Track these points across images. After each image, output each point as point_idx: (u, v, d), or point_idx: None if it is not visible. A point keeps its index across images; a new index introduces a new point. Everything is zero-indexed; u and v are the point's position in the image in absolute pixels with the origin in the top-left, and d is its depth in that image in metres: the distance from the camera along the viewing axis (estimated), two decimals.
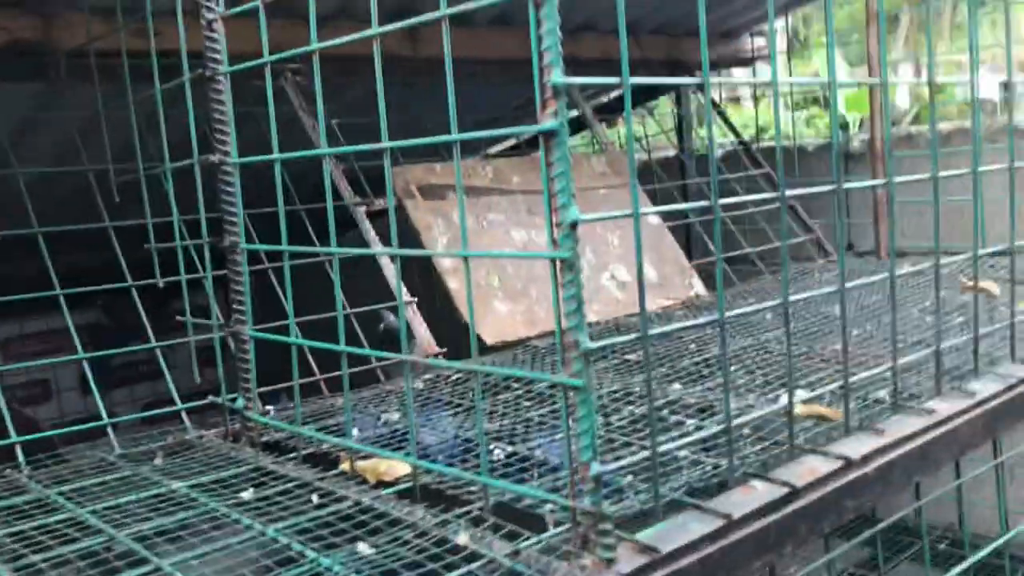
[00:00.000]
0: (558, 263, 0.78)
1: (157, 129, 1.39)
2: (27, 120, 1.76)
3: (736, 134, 2.71)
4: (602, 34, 2.45)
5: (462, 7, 0.84)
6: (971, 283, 1.87)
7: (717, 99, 3.26)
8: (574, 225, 0.78)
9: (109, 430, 1.29)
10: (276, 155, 1.08)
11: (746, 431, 1.13)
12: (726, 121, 2.72)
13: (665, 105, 3.18)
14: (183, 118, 1.37)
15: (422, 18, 0.88)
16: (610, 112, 3.08)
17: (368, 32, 0.92)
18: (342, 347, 1.04)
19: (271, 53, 1.70)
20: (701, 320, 0.93)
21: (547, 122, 0.77)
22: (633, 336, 0.83)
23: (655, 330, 0.85)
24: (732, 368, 1.46)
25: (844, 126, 5.30)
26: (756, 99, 3.18)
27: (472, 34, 2.16)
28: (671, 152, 3.13)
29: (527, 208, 1.98)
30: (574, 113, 2.60)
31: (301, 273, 1.54)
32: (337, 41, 0.95)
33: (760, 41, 2.86)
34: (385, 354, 1.04)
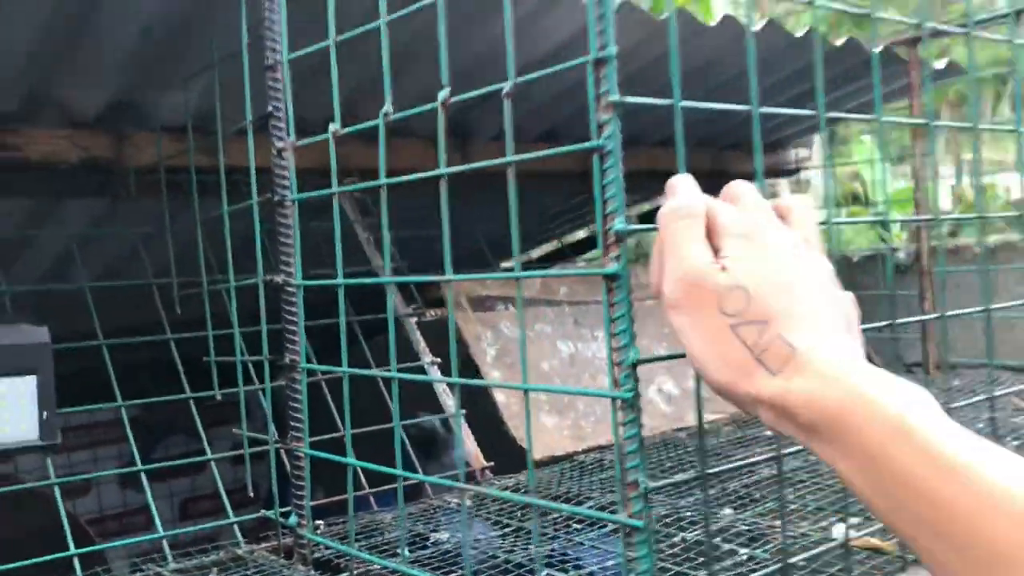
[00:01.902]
0: (619, 403, 0.79)
1: (220, 244, 1.44)
2: (94, 231, 1.83)
3: None
4: (648, 146, 2.51)
5: (528, 156, 0.88)
6: None
7: None
8: (635, 366, 0.80)
9: (164, 543, 1.30)
10: (340, 280, 1.12)
11: (801, 562, 1.12)
12: None
13: None
14: (243, 231, 1.43)
15: (485, 164, 0.92)
16: (651, 221, 3.12)
17: (434, 172, 0.96)
18: (399, 471, 1.05)
19: (330, 170, 1.77)
20: (760, 458, 0.94)
21: (610, 267, 0.80)
22: (692, 475, 0.84)
23: (714, 468, 0.85)
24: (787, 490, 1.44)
25: (885, 226, 5.28)
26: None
27: (520, 149, 2.21)
28: None
29: (574, 319, 2.00)
30: None
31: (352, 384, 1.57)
32: (406, 179, 0.99)
33: (803, 152, 2.91)
34: (439, 481, 1.05)
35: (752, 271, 0.61)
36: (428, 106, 0.98)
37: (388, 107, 1.03)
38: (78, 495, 4.02)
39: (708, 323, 0.61)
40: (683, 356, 0.85)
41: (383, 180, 1.03)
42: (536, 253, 3.30)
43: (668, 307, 0.65)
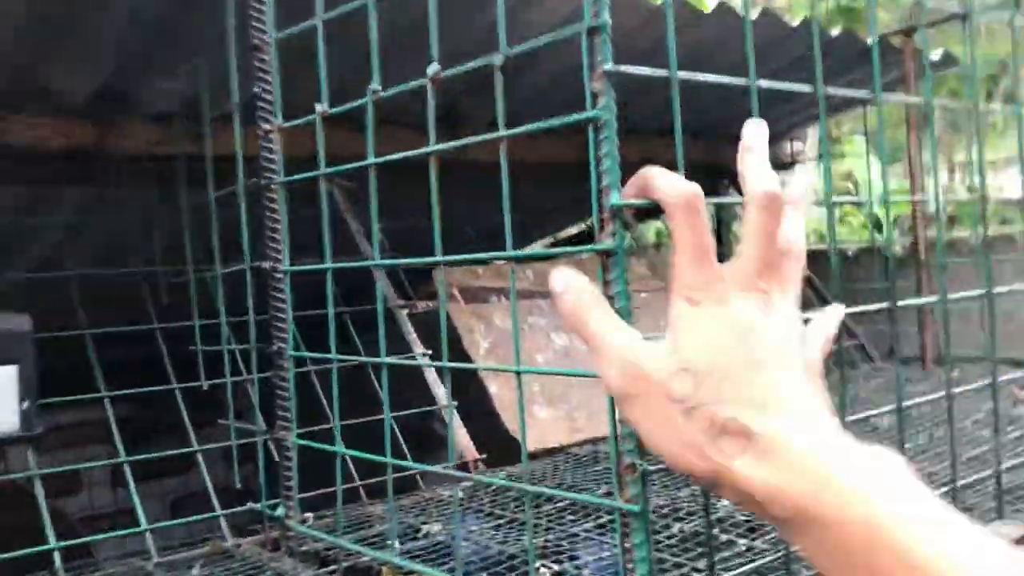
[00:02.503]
0: None
1: (207, 232, 1.42)
2: (80, 221, 1.80)
3: None
4: (643, 136, 2.48)
5: (520, 130, 0.85)
6: None
7: None
8: None
9: (148, 536, 1.27)
10: (328, 264, 1.09)
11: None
12: None
13: None
14: (233, 220, 1.40)
15: (477, 139, 0.89)
16: (647, 214, 3.09)
17: (424, 150, 0.93)
18: (388, 459, 1.02)
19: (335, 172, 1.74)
20: None
21: (606, 242, 0.77)
22: None
23: None
24: None
25: (878, 226, 5.27)
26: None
27: (516, 137, 2.19)
28: None
29: None
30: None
31: (341, 372, 1.54)
32: (393, 157, 0.96)
33: (798, 145, 2.89)
34: (430, 468, 1.02)
35: (698, 347, 0.55)
36: (417, 82, 0.95)
37: (376, 84, 1.00)
38: (69, 494, 3.98)
39: (658, 411, 0.55)
40: None
41: (371, 160, 1.01)
42: (533, 248, 3.27)
43: (616, 401, 0.60)
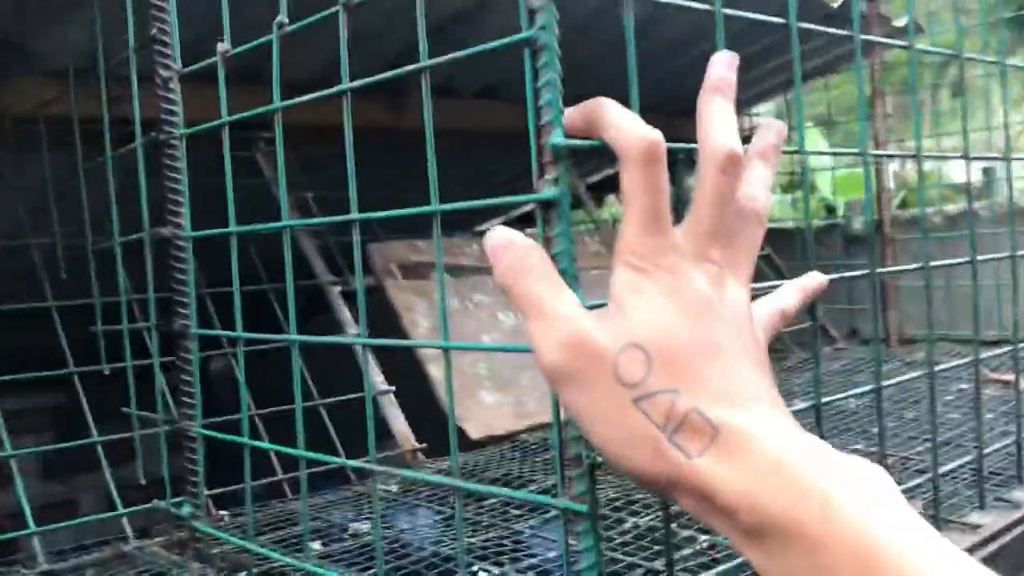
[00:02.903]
0: None
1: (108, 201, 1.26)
2: None
3: None
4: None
5: (445, 59, 0.71)
6: (1000, 376, 1.74)
7: None
8: None
9: (35, 540, 1.12)
10: (233, 228, 0.95)
11: None
12: None
13: None
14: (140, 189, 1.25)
15: (396, 73, 0.75)
16: (601, 190, 2.98)
17: (339, 88, 0.79)
18: (301, 452, 0.88)
19: (250, 124, 1.58)
20: None
21: (546, 190, 0.64)
22: None
23: None
24: None
25: (831, 210, 5.22)
26: None
27: (458, 104, 2.06)
28: None
29: None
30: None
31: (268, 360, 1.40)
32: (303, 99, 0.82)
33: (755, 120, 2.79)
34: (352, 463, 0.88)
35: (650, 324, 0.45)
36: (328, 11, 0.81)
37: (283, 17, 0.86)
38: None
39: (602, 397, 0.45)
40: None
41: (277, 104, 0.86)
42: (482, 227, 3.14)
43: (551, 382, 0.47)
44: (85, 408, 1.29)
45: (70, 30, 1.34)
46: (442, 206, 0.74)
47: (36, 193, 1.48)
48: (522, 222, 3.05)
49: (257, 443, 0.96)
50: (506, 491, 0.74)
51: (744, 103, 2.77)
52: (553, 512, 1.18)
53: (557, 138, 0.63)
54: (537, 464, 1.42)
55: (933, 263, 0.94)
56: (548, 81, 0.64)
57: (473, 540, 1.07)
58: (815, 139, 4.99)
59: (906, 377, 0.97)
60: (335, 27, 0.78)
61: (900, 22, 2.30)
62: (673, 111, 2.53)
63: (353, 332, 1.57)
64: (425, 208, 0.74)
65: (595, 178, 2.86)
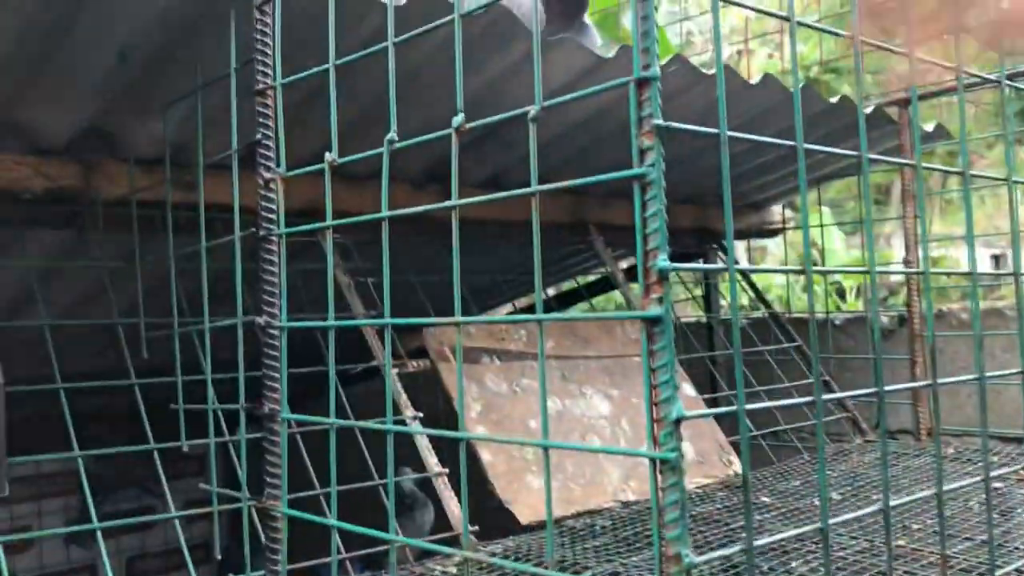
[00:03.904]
0: (658, 463, 0.70)
1: (190, 284, 1.34)
2: (58, 265, 1.72)
3: (765, 304, 2.67)
4: (631, 200, 2.45)
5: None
6: None
7: (746, 263, 3.26)
8: (678, 422, 0.71)
9: None
10: (331, 322, 1.02)
11: None
12: (754, 289, 2.69)
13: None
14: (216, 272, 1.33)
15: (507, 194, 0.83)
16: (634, 275, 3.05)
17: (447, 204, 0.87)
18: (391, 536, 0.94)
19: (311, 212, 1.67)
20: (802, 530, 0.85)
21: (652, 309, 0.71)
22: (738, 548, 0.75)
23: (760, 541, 0.76)
24: (792, 563, 1.35)
25: (841, 294, 5.28)
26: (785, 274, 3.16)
27: (472, 194, 2.14)
28: (694, 317, 3.09)
29: (561, 374, 1.90)
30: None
31: (323, 433, 1.46)
32: (413, 210, 0.91)
33: (789, 212, 2.87)
34: (431, 546, 0.94)
35: None
36: (440, 133, 0.90)
37: (392, 134, 0.94)
38: (18, 551, 3.78)
39: None
40: (730, 414, 0.77)
41: (385, 213, 0.94)
42: (521, 302, 3.20)
43: None
44: (162, 478, 1.34)
45: (167, 123, 1.43)
46: (546, 316, 0.81)
47: (120, 273, 1.56)
48: (559, 301, 3.12)
49: (343, 524, 1.01)
50: None
51: (767, 201, 2.86)
52: None
53: (663, 262, 0.71)
54: (588, 550, 1.46)
55: (988, 374, 1.00)
56: (655, 212, 0.72)
57: None
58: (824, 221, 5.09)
59: (966, 483, 1.02)
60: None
61: (929, 126, 2.39)
62: (706, 203, 2.63)
63: (410, 414, 1.63)
64: (530, 317, 0.81)
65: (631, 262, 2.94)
